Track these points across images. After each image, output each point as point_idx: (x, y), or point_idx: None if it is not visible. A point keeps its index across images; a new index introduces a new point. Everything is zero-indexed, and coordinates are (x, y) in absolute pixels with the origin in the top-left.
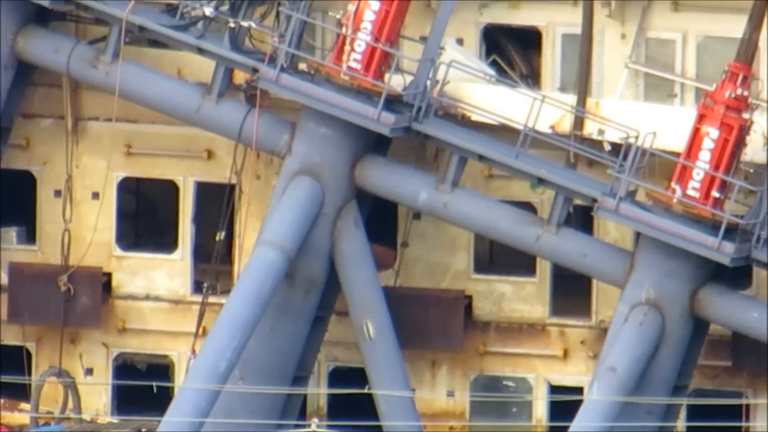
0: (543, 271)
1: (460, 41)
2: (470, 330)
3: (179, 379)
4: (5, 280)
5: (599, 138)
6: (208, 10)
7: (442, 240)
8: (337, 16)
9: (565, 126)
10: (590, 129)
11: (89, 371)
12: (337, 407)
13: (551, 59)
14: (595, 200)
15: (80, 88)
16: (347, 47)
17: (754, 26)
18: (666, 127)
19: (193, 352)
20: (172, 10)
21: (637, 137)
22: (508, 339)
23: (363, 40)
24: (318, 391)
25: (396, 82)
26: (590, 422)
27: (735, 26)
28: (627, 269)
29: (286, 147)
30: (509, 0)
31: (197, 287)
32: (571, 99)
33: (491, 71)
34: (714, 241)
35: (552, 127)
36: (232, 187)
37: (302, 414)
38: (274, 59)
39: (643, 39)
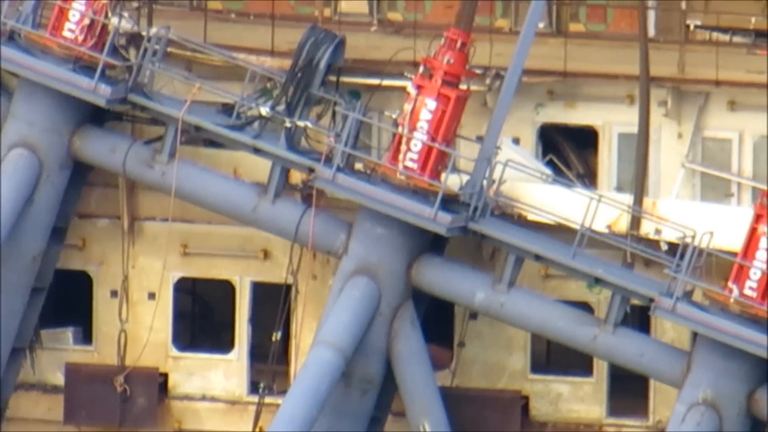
0: (600, 371)
1: (516, 140)
2: (527, 431)
3: None
4: (62, 381)
5: (656, 237)
6: (265, 110)
7: (498, 340)
8: (394, 116)
9: (622, 225)
10: (647, 228)
11: None
12: None
13: (608, 158)
14: (651, 300)
15: (136, 188)
16: (403, 147)
17: None
18: (723, 226)
19: None
20: (228, 109)
21: (693, 237)
22: None
23: (419, 139)
24: None
25: (452, 181)
26: None
27: None
28: (684, 369)
29: (342, 247)
30: (565, 99)
31: (254, 388)
32: (628, 198)
33: (548, 170)
34: None
35: (609, 226)
36: (288, 287)
37: None
38: (331, 159)
39: (700, 138)
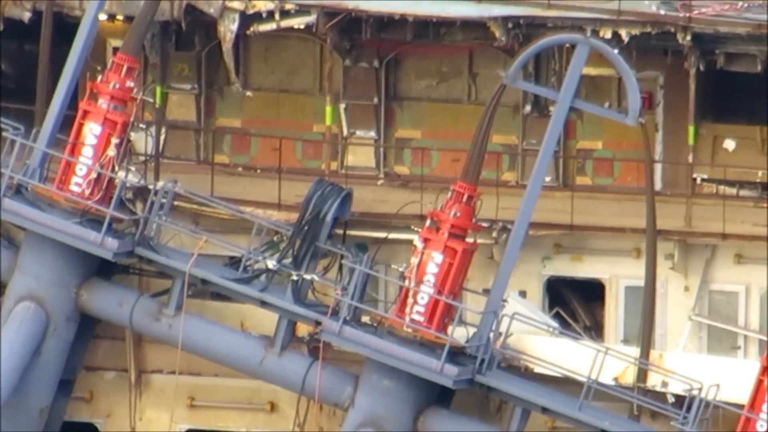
0: None
1: (523, 294)
2: None
3: None
4: None
5: (663, 390)
6: (271, 263)
7: None
8: (400, 269)
9: (629, 378)
10: (654, 381)
11: None
12: None
13: (614, 311)
14: None
15: (143, 341)
16: (410, 299)
17: None
18: (729, 379)
19: None
20: (234, 263)
21: (700, 389)
22: None
23: (426, 292)
24: None
25: (459, 334)
26: None
27: None
28: None
29: (349, 399)
30: (572, 253)
31: None
32: (635, 351)
33: (554, 323)
34: None
35: (615, 379)
36: None
37: None
38: (337, 312)
39: (707, 291)
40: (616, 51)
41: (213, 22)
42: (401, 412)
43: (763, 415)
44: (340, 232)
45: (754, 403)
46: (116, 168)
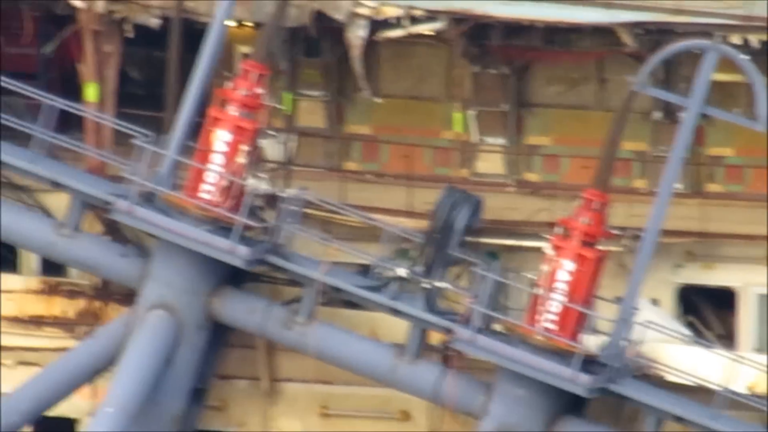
0: None
1: (654, 302)
2: None
3: None
4: None
5: None
6: (403, 271)
7: None
8: (531, 277)
9: (762, 387)
10: None
11: None
12: None
13: (747, 319)
14: None
15: (275, 349)
16: (542, 307)
17: None
18: None
19: None
20: (366, 270)
21: None
22: None
23: (557, 300)
24: None
25: (591, 342)
26: None
27: None
28: None
29: (481, 408)
30: (703, 260)
31: None
32: None
33: (686, 332)
34: None
35: (749, 388)
36: None
37: None
38: (469, 320)
39: None
40: (744, 57)
41: (342, 28)
42: (534, 421)
43: None
44: (470, 239)
45: None
46: (246, 175)
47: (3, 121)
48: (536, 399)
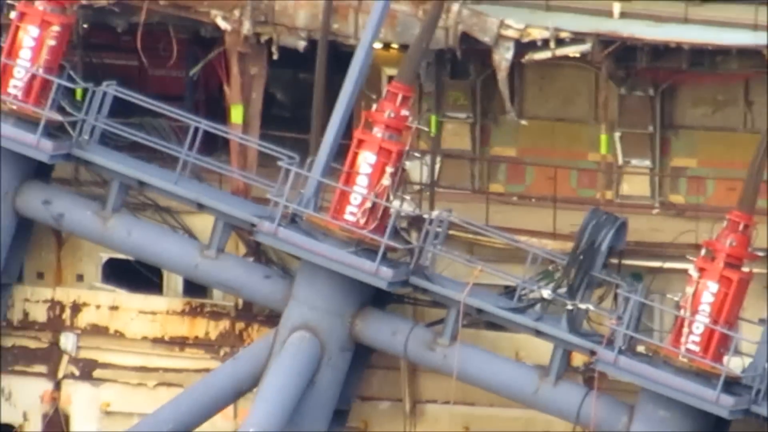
0: None
1: None
2: None
3: None
4: None
5: None
6: (546, 293)
7: None
8: (675, 299)
9: None
10: None
11: None
12: None
13: None
14: None
15: (418, 370)
16: (685, 329)
17: None
18: None
19: None
20: (509, 292)
21: None
22: None
23: (701, 322)
24: None
25: (734, 364)
26: None
27: None
28: None
29: (624, 429)
30: None
31: None
32: None
33: None
34: None
35: None
36: None
37: None
38: (612, 341)
39: None
40: None
41: (488, 50)
42: None
43: None
44: (615, 261)
45: None
46: (391, 197)
47: (149, 143)
48: (679, 421)
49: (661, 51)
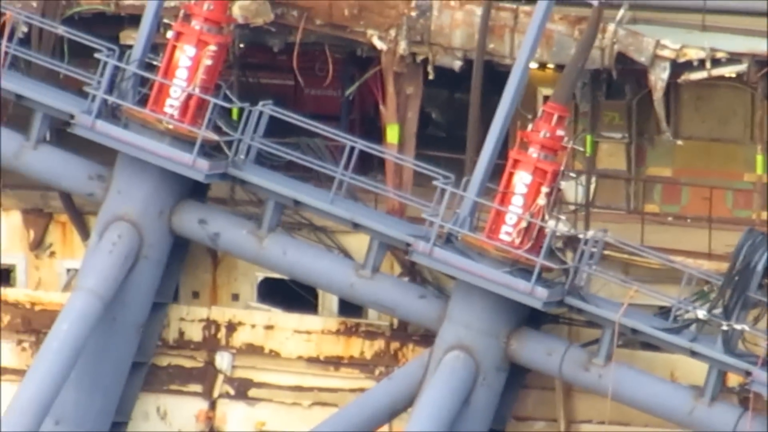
0: None
1: None
2: None
3: None
4: None
5: None
6: (701, 313)
7: None
8: None
9: None
10: None
11: None
12: None
13: None
14: None
15: (573, 390)
16: None
17: None
18: None
19: None
20: (664, 312)
21: None
22: None
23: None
24: None
25: None
26: None
27: None
28: None
29: None
30: None
31: None
32: None
33: None
34: None
35: None
36: None
37: None
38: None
39: None
40: None
41: (643, 70)
42: None
43: None
44: None
45: None
46: (546, 217)
47: (304, 163)
48: None
49: None
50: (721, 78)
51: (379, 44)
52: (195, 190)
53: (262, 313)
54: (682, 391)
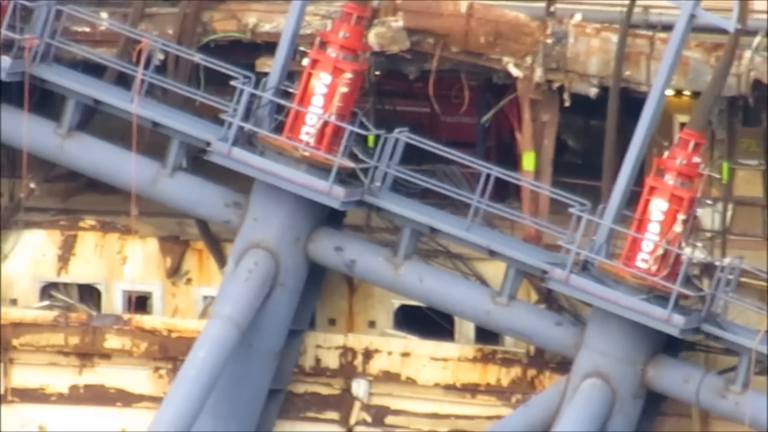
0: None
1: None
2: None
3: None
4: None
5: None
6: None
7: None
8: None
9: None
10: None
11: None
12: None
13: None
14: None
15: (709, 418)
16: None
17: None
18: None
19: None
20: None
21: None
22: None
23: None
24: None
25: None
26: None
27: None
28: None
29: None
30: None
31: None
32: None
33: None
34: None
35: None
36: None
37: None
38: None
39: None
40: None
41: None
42: None
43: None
44: None
45: None
46: (683, 244)
47: (440, 190)
48: None
49: None
50: None
51: (515, 71)
52: (331, 218)
53: (398, 340)
54: None
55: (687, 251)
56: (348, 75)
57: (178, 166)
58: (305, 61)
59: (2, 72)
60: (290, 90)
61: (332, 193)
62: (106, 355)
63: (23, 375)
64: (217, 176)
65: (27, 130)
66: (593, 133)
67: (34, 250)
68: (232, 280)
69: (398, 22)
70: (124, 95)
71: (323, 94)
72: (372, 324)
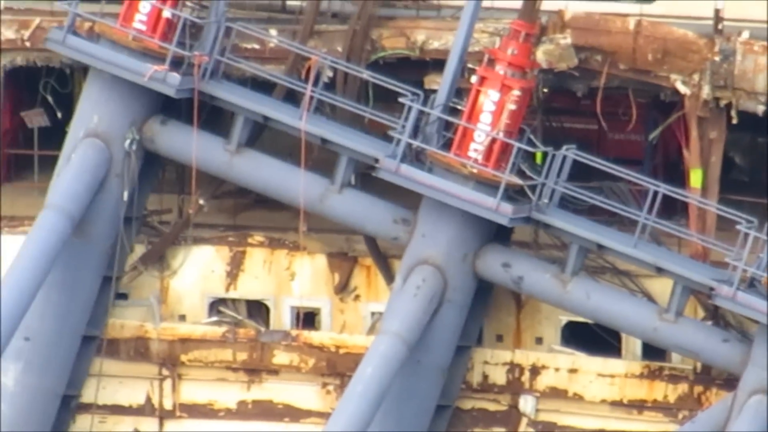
0: None
1: None
2: None
3: None
4: None
5: None
6: None
7: None
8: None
9: None
10: None
11: None
12: None
13: None
14: None
15: None
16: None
17: None
18: None
19: None
20: None
21: None
22: None
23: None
24: None
25: None
26: None
27: None
28: None
29: None
30: None
31: None
32: None
33: None
34: None
35: None
36: None
37: None
38: None
39: None
40: None
41: None
42: None
43: None
44: None
45: None
46: None
47: (607, 207)
48: None
49: None
50: None
51: (683, 89)
52: (498, 234)
53: (565, 356)
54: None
55: None
56: (516, 92)
57: (347, 183)
58: (473, 79)
59: (173, 89)
60: (458, 107)
61: (500, 210)
62: (274, 371)
63: (192, 390)
64: (386, 193)
65: (196, 147)
66: (760, 150)
67: (202, 266)
68: (401, 296)
69: (566, 39)
70: (293, 112)
71: (491, 111)
72: (539, 340)
